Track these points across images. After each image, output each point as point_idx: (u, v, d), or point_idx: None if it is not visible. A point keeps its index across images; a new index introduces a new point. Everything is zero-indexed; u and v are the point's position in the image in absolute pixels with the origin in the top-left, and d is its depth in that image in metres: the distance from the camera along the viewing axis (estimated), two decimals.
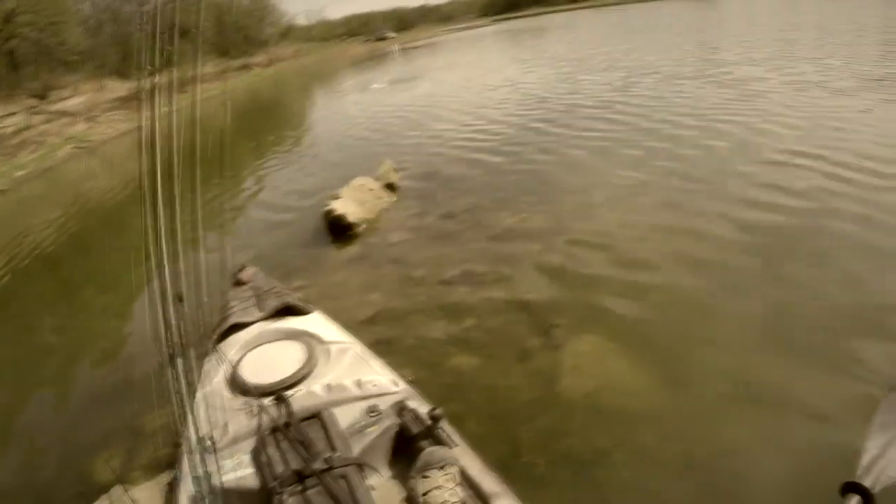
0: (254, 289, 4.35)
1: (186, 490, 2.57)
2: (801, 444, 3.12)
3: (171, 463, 3.64)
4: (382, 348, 3.85)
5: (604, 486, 3.07)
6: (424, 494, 2.23)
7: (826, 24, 19.51)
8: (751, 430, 3.26)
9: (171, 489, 2.89)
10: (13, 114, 23.73)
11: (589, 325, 4.42)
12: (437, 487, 2.23)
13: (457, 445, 2.54)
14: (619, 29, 32.96)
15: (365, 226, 7.16)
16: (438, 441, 2.56)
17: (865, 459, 1.04)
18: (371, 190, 7.73)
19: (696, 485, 2.99)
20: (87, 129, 22.72)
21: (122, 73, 35.78)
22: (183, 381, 2.91)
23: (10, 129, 21.36)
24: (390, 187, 8.25)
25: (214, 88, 34.63)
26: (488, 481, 2.38)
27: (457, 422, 2.76)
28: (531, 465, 3.23)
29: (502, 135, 10.66)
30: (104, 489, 3.45)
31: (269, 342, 3.64)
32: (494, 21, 75.72)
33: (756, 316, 4.24)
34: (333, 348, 3.44)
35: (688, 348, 4.02)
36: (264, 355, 3.50)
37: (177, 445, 3.04)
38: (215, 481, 2.54)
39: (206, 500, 2.52)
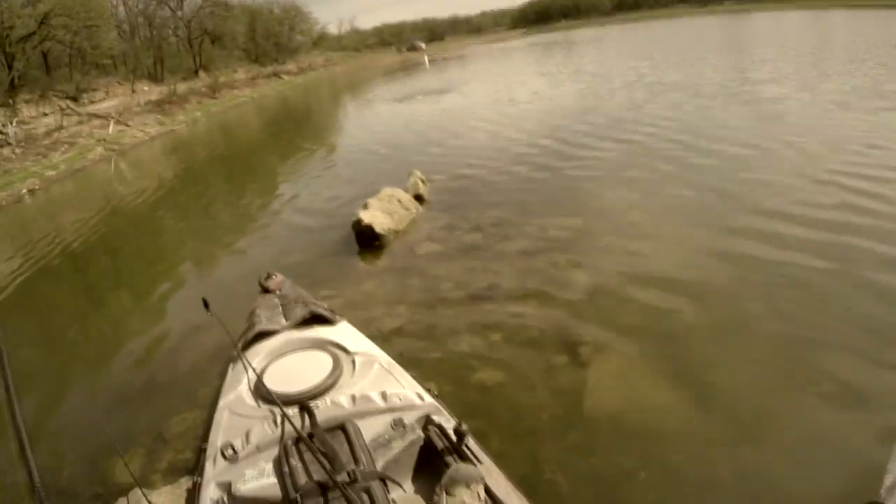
0: (281, 297, 4.36)
1: (207, 497, 2.56)
2: (828, 468, 3.07)
3: (192, 468, 3.65)
4: (407, 361, 3.84)
5: None
6: None
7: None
8: (777, 453, 3.22)
9: (191, 495, 2.89)
10: (46, 115, 24.07)
11: (616, 344, 4.38)
12: None
13: (482, 463, 2.52)
14: (648, 44, 32.82)
15: (393, 236, 7.14)
16: (463, 457, 2.54)
17: (888, 480, 1.02)
18: (399, 201, 7.72)
19: None
20: (118, 131, 22.95)
21: (154, 77, 36.30)
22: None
23: (42, 130, 21.67)
24: (419, 198, 8.25)
25: (244, 95, 35.07)
26: (514, 500, 2.36)
27: (480, 438, 2.76)
28: (554, 484, 3.19)
29: (532, 149, 10.62)
30: (123, 492, 3.48)
31: (295, 351, 3.64)
32: (524, 34, 75.80)
33: (788, 339, 4.18)
34: (359, 359, 3.43)
35: (716, 369, 3.97)
36: (290, 364, 3.49)
37: (200, 451, 3.04)
38: (236, 490, 2.53)
39: None
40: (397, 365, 3.42)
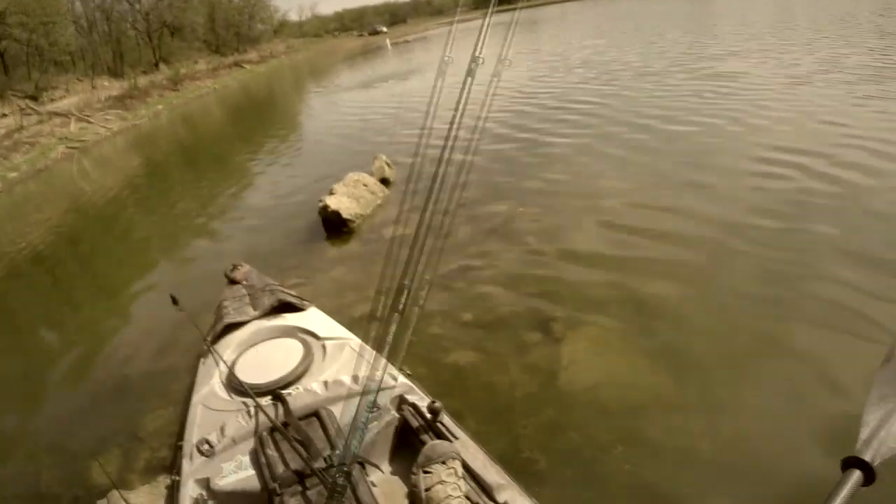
0: (248, 287, 4.32)
1: (187, 494, 2.55)
2: (805, 432, 3.10)
3: (169, 466, 3.63)
4: (380, 344, 3.83)
5: (606, 482, 3.04)
6: (427, 490, 2.23)
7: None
8: (754, 420, 3.26)
9: (171, 493, 2.87)
10: (5, 115, 23.65)
11: (588, 319, 4.39)
12: (440, 482, 2.22)
13: (458, 438, 2.53)
14: (610, 22, 32.84)
15: (360, 221, 7.12)
16: (439, 434, 2.56)
17: (864, 433, 1.02)
18: (366, 185, 7.68)
19: (698, 478, 2.98)
20: (79, 129, 22.59)
21: (114, 71, 35.76)
22: None
23: (2, 131, 21.27)
24: (385, 182, 8.22)
25: (206, 86, 34.66)
26: (492, 473, 2.37)
27: (456, 418, 2.76)
28: (532, 462, 3.20)
29: (497, 129, 10.56)
30: (101, 494, 3.43)
31: (265, 340, 3.62)
32: (485, 14, 75.18)
33: (760, 305, 4.23)
34: (330, 344, 3.43)
35: (689, 339, 4.01)
36: (260, 354, 3.48)
37: (176, 449, 3.02)
38: (215, 485, 2.52)
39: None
40: (368, 347, 3.41)
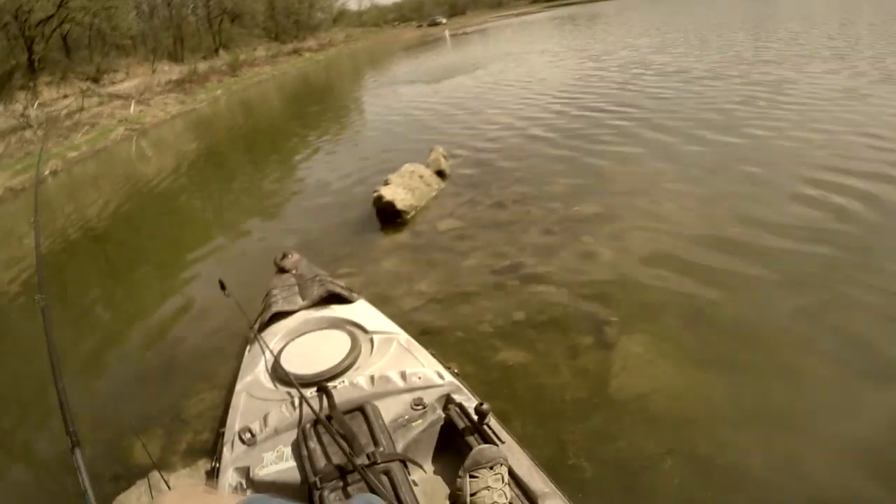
0: (297, 276, 4.32)
1: (226, 482, 2.54)
2: (863, 459, 2.96)
3: (211, 451, 3.62)
4: (428, 340, 3.79)
5: (652, 496, 2.94)
6: (473, 495, 2.18)
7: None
8: (808, 442, 3.11)
9: (210, 479, 2.86)
10: (66, 96, 24.19)
11: (642, 325, 4.27)
12: (486, 488, 2.17)
13: (503, 442, 2.47)
14: (672, 18, 32.35)
15: (414, 213, 7.07)
16: (485, 437, 2.50)
17: None
18: (421, 177, 7.62)
19: (748, 499, 2.87)
20: (139, 111, 22.98)
21: (174, 56, 36.36)
22: None
23: (63, 112, 21.72)
24: (441, 174, 8.14)
25: (265, 73, 35.04)
26: (537, 481, 2.30)
27: (502, 419, 2.69)
28: (578, 469, 3.11)
29: (556, 125, 10.46)
30: (142, 473, 3.45)
31: (313, 331, 3.61)
32: (546, 7, 75.06)
33: (822, 324, 4.05)
34: (378, 338, 3.39)
35: (745, 354, 3.85)
36: (307, 345, 3.45)
37: (217, 435, 3.01)
38: (255, 474, 2.50)
39: (246, 493, 2.48)
40: (416, 343, 3.36)
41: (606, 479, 3.05)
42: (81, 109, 22.35)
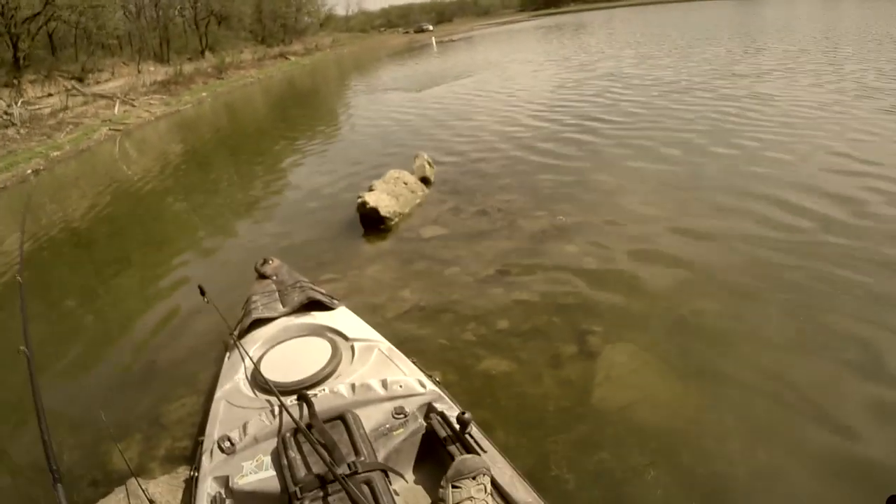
0: (278, 282, 4.30)
1: (205, 491, 2.50)
2: (844, 468, 2.98)
3: (190, 458, 3.57)
4: (411, 347, 3.76)
5: None
6: None
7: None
8: (790, 452, 3.12)
9: (189, 488, 2.83)
10: (51, 95, 23.99)
11: (626, 334, 4.28)
12: (469, 498, 2.16)
13: (486, 452, 2.46)
14: (658, 29, 32.54)
15: (398, 220, 7.05)
16: (467, 446, 2.48)
17: None
18: (406, 183, 7.60)
19: None
20: (123, 111, 22.85)
21: (160, 57, 36.19)
22: None
23: (47, 110, 21.55)
24: (425, 181, 8.12)
25: (251, 76, 34.95)
26: (520, 491, 2.29)
27: (485, 429, 2.69)
28: (561, 480, 3.10)
29: (541, 134, 10.50)
30: (120, 480, 3.38)
31: (293, 338, 3.58)
32: (533, 16, 75.36)
33: (803, 333, 4.07)
34: (359, 346, 3.37)
35: (728, 363, 3.87)
36: (287, 352, 3.42)
37: (196, 444, 2.97)
38: (234, 484, 2.47)
39: (225, 503, 2.44)
40: (398, 351, 3.34)
41: (589, 490, 3.04)
42: (66, 108, 22.17)
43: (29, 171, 14.93)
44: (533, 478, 2.42)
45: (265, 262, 4.60)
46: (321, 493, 2.28)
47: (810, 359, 3.80)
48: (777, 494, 2.89)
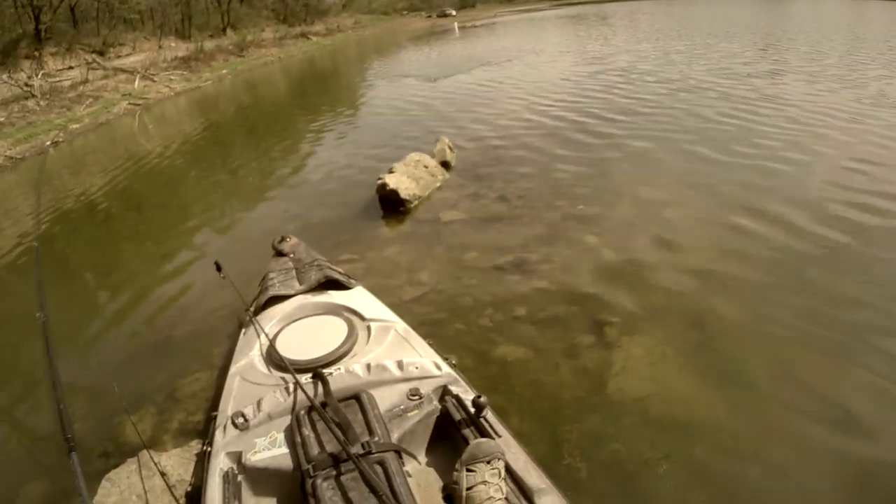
0: (295, 260, 4.28)
1: (217, 466, 2.50)
2: (859, 472, 2.95)
3: (202, 433, 3.58)
4: (427, 330, 3.75)
5: (645, 499, 2.92)
6: (469, 489, 2.15)
7: None
8: (805, 454, 3.10)
9: (201, 462, 2.82)
10: (71, 68, 24.06)
11: (643, 327, 4.24)
12: (483, 482, 2.15)
13: (500, 436, 2.44)
14: (684, 24, 32.24)
15: (417, 203, 7.02)
16: (481, 430, 2.47)
17: None
18: (426, 167, 7.57)
19: None
20: (143, 86, 22.85)
21: (181, 33, 36.19)
22: None
23: (67, 83, 21.60)
24: (445, 165, 8.08)
25: (271, 55, 34.91)
26: (533, 477, 2.27)
27: (500, 414, 2.66)
28: (573, 469, 3.09)
29: (563, 124, 10.40)
30: (132, 452, 3.39)
31: (309, 317, 3.57)
32: (555, 6, 74.83)
33: (824, 332, 4.02)
34: (375, 326, 3.35)
35: (745, 360, 3.83)
36: (303, 330, 3.41)
37: (210, 419, 2.97)
38: (247, 460, 2.47)
39: (238, 478, 2.44)
40: (414, 333, 3.32)
41: (601, 480, 3.02)
42: (86, 82, 22.21)
43: (48, 143, 14.94)
44: (546, 465, 2.40)
45: (283, 239, 4.59)
46: (334, 472, 2.27)
47: (829, 362, 3.76)
48: (789, 495, 2.86)
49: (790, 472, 2.98)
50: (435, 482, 2.49)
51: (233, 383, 3.05)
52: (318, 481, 2.23)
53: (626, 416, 3.43)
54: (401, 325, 3.41)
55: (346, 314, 3.51)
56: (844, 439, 3.13)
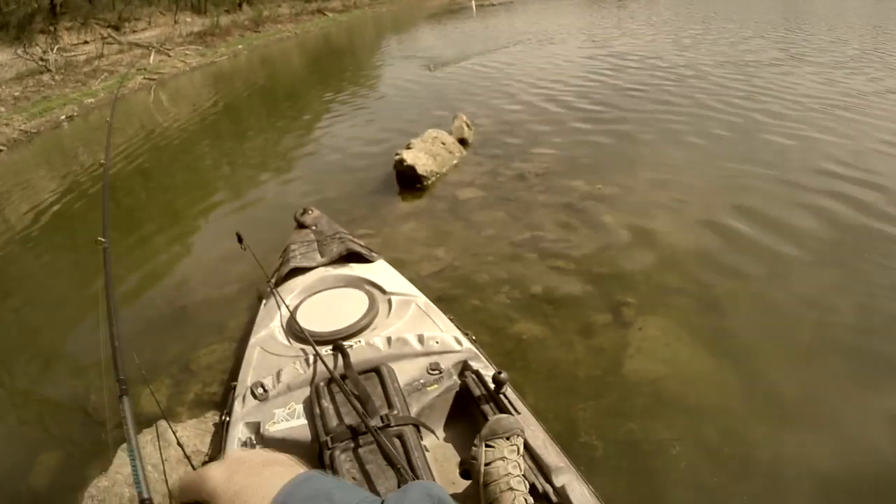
0: (317, 233, 4.29)
1: (235, 436, 2.51)
2: (872, 465, 2.92)
3: (220, 404, 3.60)
4: (444, 306, 3.73)
5: (659, 479, 2.92)
6: (487, 464, 2.14)
7: None
8: (819, 438, 3.09)
9: (219, 432, 2.84)
10: (86, 42, 24.01)
11: (659, 309, 4.22)
12: (502, 458, 2.14)
13: (519, 413, 2.44)
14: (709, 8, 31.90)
15: (435, 179, 6.98)
16: (501, 406, 2.46)
17: None
18: (444, 144, 7.52)
19: (752, 489, 2.84)
20: (159, 61, 22.83)
21: (197, 8, 36.08)
22: None
23: (82, 58, 21.60)
24: (463, 142, 8.03)
25: (287, 30, 34.79)
26: (551, 455, 2.28)
27: (515, 391, 2.65)
28: (588, 447, 3.09)
29: (579, 104, 10.27)
30: (148, 423, 3.38)
31: (330, 289, 3.58)
32: None
33: (844, 325, 3.97)
34: (396, 300, 3.35)
35: (762, 345, 3.81)
36: (324, 302, 3.42)
37: (229, 388, 2.98)
38: (265, 430, 2.48)
39: (255, 448, 2.45)
40: (435, 307, 3.32)
41: (616, 459, 3.03)
42: (101, 56, 22.22)
43: (62, 117, 14.96)
44: (561, 442, 2.41)
45: (305, 211, 4.59)
46: (352, 444, 2.28)
47: (849, 349, 3.72)
48: (801, 482, 2.86)
49: (804, 455, 2.97)
50: (452, 457, 2.50)
51: (252, 354, 3.07)
52: (336, 453, 2.23)
53: (641, 397, 3.43)
54: (422, 299, 3.42)
55: (367, 287, 3.51)
56: (862, 427, 3.12)
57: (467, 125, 8.34)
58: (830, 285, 4.33)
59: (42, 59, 19.75)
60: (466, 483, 2.33)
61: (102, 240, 3.12)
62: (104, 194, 3.69)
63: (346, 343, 2.88)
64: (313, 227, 4.39)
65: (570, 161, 7.26)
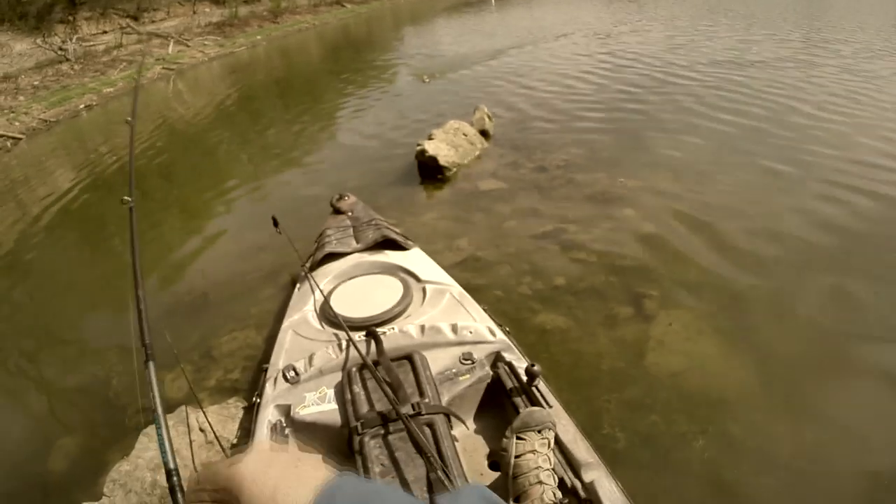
0: (352, 219, 4.31)
1: (265, 418, 2.53)
2: (891, 462, 2.93)
3: (247, 389, 3.63)
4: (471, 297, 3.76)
5: (683, 472, 2.94)
6: (518, 457, 2.14)
7: None
8: (838, 435, 3.09)
9: (249, 414, 2.87)
10: (105, 32, 24.09)
11: (681, 302, 4.22)
12: (532, 451, 2.14)
13: (551, 406, 2.44)
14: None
15: (456, 170, 6.98)
16: (532, 399, 2.47)
17: None
18: (465, 135, 7.53)
19: (774, 483, 2.84)
20: (177, 51, 22.88)
21: None
22: None
23: (101, 48, 21.70)
24: (484, 134, 8.02)
25: (306, 21, 34.76)
26: (581, 450, 2.27)
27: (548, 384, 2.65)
28: (612, 439, 3.11)
29: (601, 98, 10.22)
30: (169, 408, 3.43)
31: (365, 275, 3.59)
32: None
33: (865, 321, 3.96)
34: (430, 288, 3.35)
35: (783, 339, 3.81)
36: (358, 288, 3.44)
37: (261, 371, 3.00)
38: (295, 413, 2.49)
39: (285, 431, 2.47)
40: (469, 297, 3.32)
41: (639, 451, 3.05)
42: (120, 46, 22.30)
43: (81, 107, 15.04)
44: (584, 433, 2.41)
45: (341, 197, 4.62)
46: (382, 431, 2.28)
47: (871, 346, 3.71)
48: (821, 476, 2.87)
49: (824, 452, 2.98)
50: (481, 448, 2.51)
51: (285, 337, 3.08)
52: (366, 439, 2.24)
53: (664, 389, 3.44)
54: (456, 288, 3.42)
55: (401, 274, 3.53)
56: (885, 426, 3.12)
57: (488, 116, 8.31)
58: (856, 284, 4.30)
59: (61, 49, 19.85)
60: (495, 475, 2.34)
61: (128, 199, 3.14)
62: (130, 151, 3.73)
63: (379, 329, 2.89)
64: (349, 213, 4.42)
65: (592, 154, 7.24)
